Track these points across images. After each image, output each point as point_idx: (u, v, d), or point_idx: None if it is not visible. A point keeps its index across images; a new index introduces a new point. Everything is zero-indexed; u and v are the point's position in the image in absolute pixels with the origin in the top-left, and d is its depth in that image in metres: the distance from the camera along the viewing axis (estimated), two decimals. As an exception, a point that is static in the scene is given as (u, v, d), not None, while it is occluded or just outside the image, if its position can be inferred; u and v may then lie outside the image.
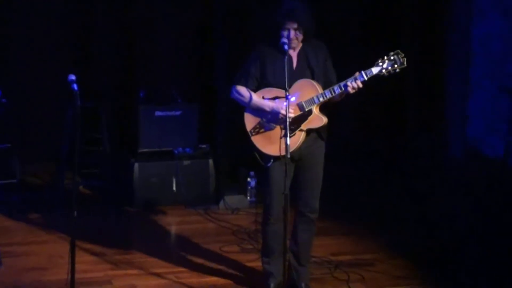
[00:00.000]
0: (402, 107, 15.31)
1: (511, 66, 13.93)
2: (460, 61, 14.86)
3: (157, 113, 12.95)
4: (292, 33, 9.45)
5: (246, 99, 9.62)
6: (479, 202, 12.90)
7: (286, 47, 9.39)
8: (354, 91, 9.42)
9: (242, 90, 9.65)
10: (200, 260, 11.03)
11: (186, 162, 12.89)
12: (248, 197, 12.52)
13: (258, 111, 9.62)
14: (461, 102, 14.86)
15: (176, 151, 12.92)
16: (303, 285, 10.03)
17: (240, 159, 11.39)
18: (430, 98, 15.25)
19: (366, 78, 9.40)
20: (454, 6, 15.06)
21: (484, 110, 14.39)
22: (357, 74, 9.45)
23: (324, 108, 9.64)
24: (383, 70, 9.47)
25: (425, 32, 15.33)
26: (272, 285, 9.98)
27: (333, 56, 11.41)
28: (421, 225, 12.35)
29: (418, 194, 13.55)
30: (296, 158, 9.52)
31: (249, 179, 12.34)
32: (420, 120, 15.29)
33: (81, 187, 13.12)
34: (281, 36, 9.53)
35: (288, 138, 9.14)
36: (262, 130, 9.63)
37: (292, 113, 9.40)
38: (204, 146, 13.06)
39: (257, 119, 9.65)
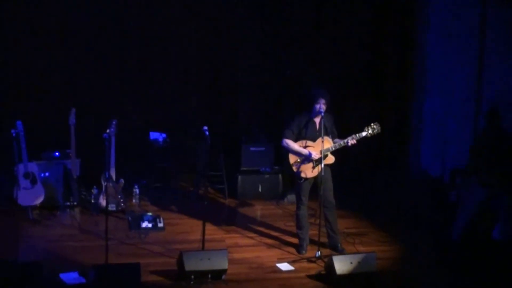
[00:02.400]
0: (383, 145, 15.02)
1: (444, 128, 14.05)
2: (418, 121, 15.06)
3: (251, 148, 13.75)
4: (323, 106, 10.91)
5: (291, 147, 11.07)
6: (425, 201, 13.45)
7: (319, 112, 10.93)
8: (351, 145, 10.96)
9: (289, 141, 11.06)
10: (273, 230, 12.33)
11: (266, 176, 13.74)
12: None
13: (297, 154, 11.07)
14: (416, 146, 15.11)
15: (261, 169, 13.78)
16: (338, 244, 11.31)
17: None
18: (400, 142, 15.31)
19: (358, 138, 10.93)
20: (414, 86, 15.15)
21: (431, 149, 14.50)
22: (353, 135, 10.89)
23: (334, 151, 11.11)
24: (368, 134, 10.98)
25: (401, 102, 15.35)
26: (304, 244, 11.33)
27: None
28: (394, 213, 13.18)
29: (391, 196, 13.94)
30: (319, 178, 11.02)
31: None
32: (394, 152, 15.27)
33: (209, 188, 13.62)
34: (315, 107, 10.94)
35: (322, 165, 10.88)
36: (299, 164, 11.12)
37: (318, 155, 10.93)
38: (276, 167, 13.78)
39: (296, 158, 11.10)
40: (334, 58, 14.96)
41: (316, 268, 10.87)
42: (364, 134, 11.05)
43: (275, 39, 14.74)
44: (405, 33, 15.09)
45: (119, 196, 12.64)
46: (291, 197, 13.07)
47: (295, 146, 11.14)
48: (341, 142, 11.03)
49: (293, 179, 11.55)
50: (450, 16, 13.97)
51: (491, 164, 11.76)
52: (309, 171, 11.17)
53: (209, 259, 10.32)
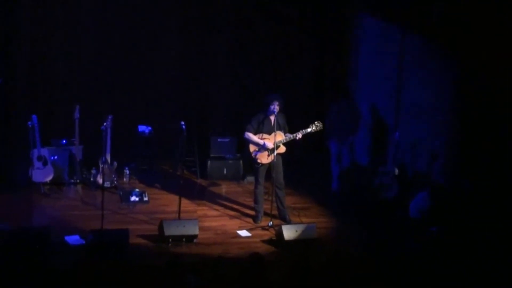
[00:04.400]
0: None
1: (370, 128, 13.79)
2: None
3: (219, 139, 13.58)
4: (277, 107, 10.93)
5: (251, 138, 11.06)
6: (355, 184, 13.12)
7: (273, 111, 10.93)
8: (299, 139, 10.98)
9: (249, 134, 11.07)
10: (235, 204, 12.26)
11: (230, 161, 13.54)
12: (258, 178, 11.79)
13: (255, 144, 11.06)
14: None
15: (226, 156, 13.56)
16: (286, 216, 11.26)
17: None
18: None
19: (304, 133, 10.97)
20: (349, 96, 14.01)
21: (361, 144, 13.87)
22: (301, 131, 10.92)
23: (284, 143, 11.08)
24: (312, 130, 10.98)
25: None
26: (259, 216, 11.32)
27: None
28: (331, 193, 12.98)
29: (329, 180, 13.20)
30: (272, 164, 11.04)
31: (257, 169, 11.44)
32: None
33: (185, 171, 13.28)
34: (270, 107, 10.92)
35: (275, 153, 10.93)
36: (257, 152, 11.10)
37: (271, 146, 10.93)
38: (238, 154, 13.56)
39: (255, 147, 11.09)
40: (288, 74, 14.96)
41: (269, 234, 10.90)
42: (309, 130, 11.03)
43: (241, 55, 14.66)
44: (342, 54, 14.95)
45: (113, 176, 12.56)
46: (250, 178, 12.96)
47: (254, 138, 11.13)
48: (291, 136, 11.01)
49: (252, 164, 11.52)
50: (377, 42, 13.91)
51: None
52: (264, 158, 11.15)
53: (184, 226, 10.38)
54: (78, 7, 13.78)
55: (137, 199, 12.09)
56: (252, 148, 11.20)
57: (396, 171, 12.30)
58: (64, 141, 12.89)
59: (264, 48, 14.76)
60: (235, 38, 14.64)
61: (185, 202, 11.65)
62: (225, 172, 13.66)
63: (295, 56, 14.90)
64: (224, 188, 13.29)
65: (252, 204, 11.69)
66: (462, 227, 10.61)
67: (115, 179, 12.59)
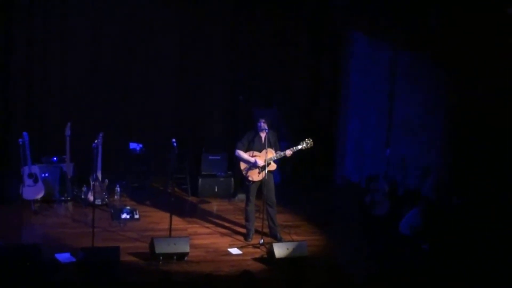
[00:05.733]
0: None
1: (362, 145, 14.03)
2: (342, 140, 14.80)
3: (210, 157, 13.58)
4: (263, 124, 10.93)
5: (241, 156, 11.04)
6: (347, 201, 13.48)
7: (263, 129, 10.91)
8: (289, 156, 10.99)
9: (240, 152, 11.06)
10: (226, 221, 12.22)
11: (221, 179, 13.54)
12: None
13: (246, 162, 11.05)
14: (341, 158, 14.73)
15: (217, 174, 13.56)
16: (277, 234, 11.22)
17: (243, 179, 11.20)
18: (328, 155, 14.71)
19: (295, 150, 10.97)
20: (339, 113, 14.78)
21: (351, 161, 14.30)
22: (291, 148, 10.92)
23: (275, 160, 11.06)
24: (302, 147, 10.98)
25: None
26: (250, 233, 11.25)
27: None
28: (322, 210, 13.09)
29: (320, 196, 13.81)
30: (263, 181, 10.96)
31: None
32: (324, 162, 14.70)
33: (176, 188, 13.29)
34: (258, 125, 10.94)
35: (266, 171, 10.83)
36: (247, 170, 11.09)
37: (262, 163, 10.90)
38: (229, 172, 13.53)
39: (246, 165, 11.08)
40: (283, 91, 15.00)
41: (260, 252, 10.86)
42: (299, 147, 11.03)
43: (233, 74, 14.75)
44: (334, 73, 15.00)
45: (104, 193, 12.55)
46: (241, 196, 12.89)
47: (245, 155, 11.11)
48: (281, 153, 10.99)
49: (243, 182, 11.50)
50: (367, 59, 13.97)
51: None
52: (255, 176, 11.13)
53: (174, 244, 10.33)
54: (70, 25, 13.84)
55: (128, 216, 12.04)
56: (242, 165, 11.17)
57: (386, 188, 12.34)
58: (55, 158, 12.87)
59: (257, 66, 14.79)
60: (227, 56, 14.70)
61: (176, 220, 11.60)
62: (216, 189, 13.63)
63: (289, 75, 14.94)
64: (215, 206, 13.24)
65: (243, 222, 11.65)
66: (452, 243, 10.66)
67: (106, 196, 12.56)
